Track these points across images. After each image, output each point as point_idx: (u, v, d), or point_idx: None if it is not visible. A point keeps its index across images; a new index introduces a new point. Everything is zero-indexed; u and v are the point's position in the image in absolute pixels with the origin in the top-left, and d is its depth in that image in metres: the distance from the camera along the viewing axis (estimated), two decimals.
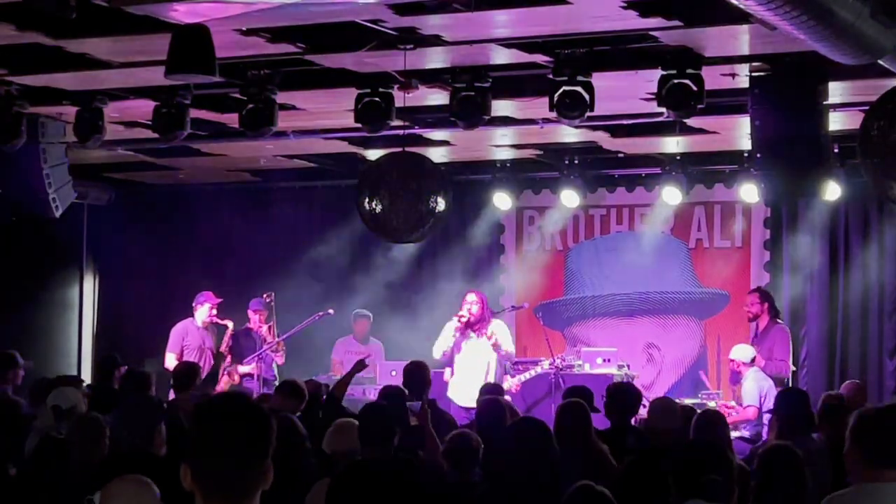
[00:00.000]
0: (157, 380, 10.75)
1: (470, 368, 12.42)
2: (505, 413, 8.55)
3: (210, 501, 3.12)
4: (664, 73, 9.17)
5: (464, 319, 12.45)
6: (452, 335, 12.49)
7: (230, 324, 13.44)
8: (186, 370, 10.85)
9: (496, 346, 12.46)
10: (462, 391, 12.27)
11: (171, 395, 10.78)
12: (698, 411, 8.21)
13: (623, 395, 8.95)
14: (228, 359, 13.38)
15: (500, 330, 12.62)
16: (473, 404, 11.56)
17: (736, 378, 12.34)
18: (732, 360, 12.22)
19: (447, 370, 12.59)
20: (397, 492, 3.56)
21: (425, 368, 10.06)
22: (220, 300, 13.51)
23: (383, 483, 3.45)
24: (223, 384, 12.98)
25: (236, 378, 13.28)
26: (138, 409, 6.54)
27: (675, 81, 9.11)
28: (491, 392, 9.89)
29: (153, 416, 6.42)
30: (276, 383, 12.03)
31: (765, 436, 10.57)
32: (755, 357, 12.09)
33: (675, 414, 7.86)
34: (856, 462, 4.86)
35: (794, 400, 8.61)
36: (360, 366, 10.59)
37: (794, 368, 12.96)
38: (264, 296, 13.73)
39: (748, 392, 11.86)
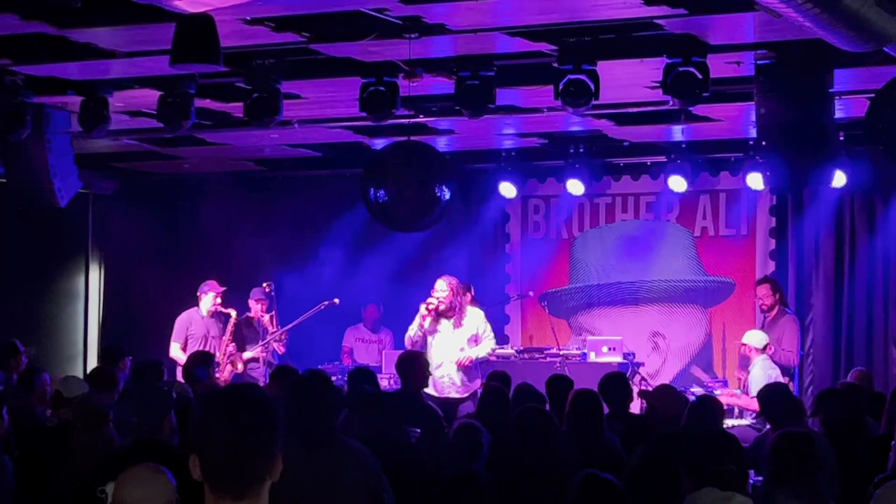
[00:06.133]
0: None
1: (442, 357, 11.81)
2: (507, 401, 8.56)
3: (217, 492, 3.13)
4: (669, 61, 9.16)
5: (431, 307, 11.87)
6: (419, 323, 11.88)
7: (233, 312, 13.45)
8: (201, 359, 10.67)
9: (475, 340, 11.94)
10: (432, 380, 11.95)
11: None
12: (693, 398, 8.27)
13: (615, 385, 9.02)
14: (232, 347, 13.39)
15: (480, 322, 12.06)
16: (444, 393, 11.57)
17: (745, 363, 12.34)
18: (744, 345, 12.23)
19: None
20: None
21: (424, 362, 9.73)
22: (223, 289, 13.52)
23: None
24: (226, 373, 12.98)
25: (239, 367, 13.28)
26: (148, 398, 6.52)
27: (681, 69, 9.10)
28: (496, 378, 9.88)
29: (163, 405, 6.39)
30: None
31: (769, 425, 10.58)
32: (767, 345, 12.10)
33: (679, 400, 7.89)
34: None
35: (776, 395, 8.68)
36: None
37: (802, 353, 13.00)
38: (264, 285, 13.73)
39: (756, 380, 11.85)
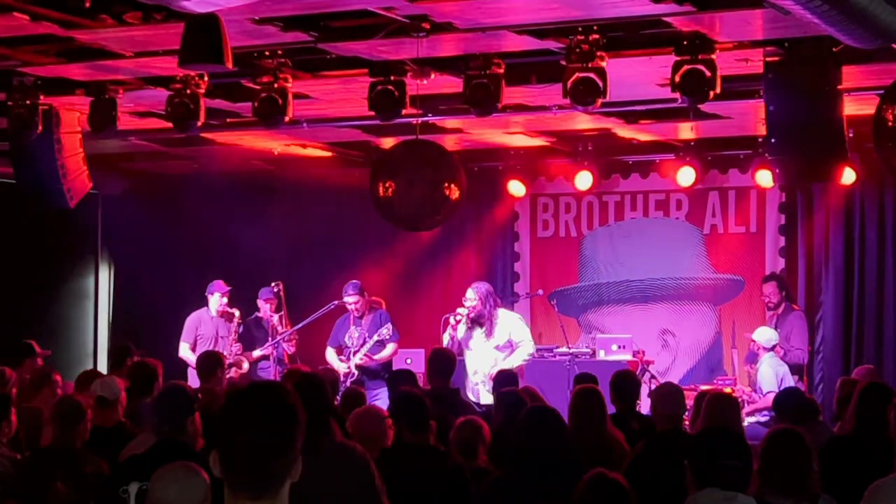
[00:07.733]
0: (171, 369, 10.72)
1: (475, 366, 11.99)
2: (525, 403, 8.56)
3: (236, 491, 3.11)
4: (678, 58, 9.14)
5: (458, 318, 11.94)
6: (449, 333, 11.95)
7: (237, 312, 13.45)
8: (210, 359, 10.67)
9: (511, 347, 11.99)
10: (470, 387, 12.01)
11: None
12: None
13: (625, 382, 9.00)
14: (238, 347, 13.39)
15: (513, 327, 12.08)
16: (480, 400, 11.59)
17: (752, 358, 12.35)
18: (753, 341, 12.24)
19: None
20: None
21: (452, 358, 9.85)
22: (229, 288, 13.52)
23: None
24: (233, 372, 12.97)
25: (245, 367, 13.27)
26: (170, 398, 6.48)
27: (689, 67, 9.08)
28: (506, 379, 9.88)
29: (185, 406, 6.33)
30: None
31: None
32: (776, 345, 12.10)
33: (680, 399, 7.88)
34: None
35: (790, 395, 8.69)
36: None
37: (811, 348, 13.00)
38: (273, 285, 13.73)
39: (765, 378, 11.86)
